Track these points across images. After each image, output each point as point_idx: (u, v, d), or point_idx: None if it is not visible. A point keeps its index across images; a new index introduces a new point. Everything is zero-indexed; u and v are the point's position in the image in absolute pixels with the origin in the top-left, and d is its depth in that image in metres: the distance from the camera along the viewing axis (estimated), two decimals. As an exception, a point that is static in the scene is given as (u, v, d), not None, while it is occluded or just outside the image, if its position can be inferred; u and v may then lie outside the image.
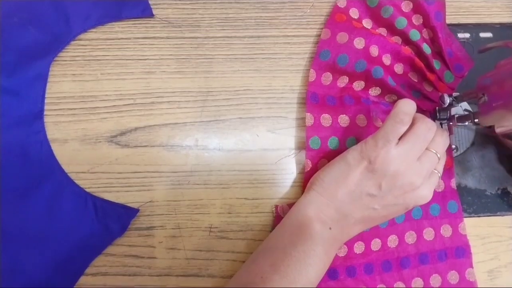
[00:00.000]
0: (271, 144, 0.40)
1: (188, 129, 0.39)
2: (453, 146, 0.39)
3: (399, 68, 0.40)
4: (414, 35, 0.40)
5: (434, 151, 0.34)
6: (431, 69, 0.40)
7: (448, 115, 0.39)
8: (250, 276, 0.33)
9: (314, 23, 0.42)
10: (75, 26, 0.39)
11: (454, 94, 0.38)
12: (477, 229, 0.40)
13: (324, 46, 0.40)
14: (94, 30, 0.40)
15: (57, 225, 0.37)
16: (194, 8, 0.41)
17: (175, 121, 0.39)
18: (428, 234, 0.39)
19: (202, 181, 0.39)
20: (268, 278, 0.32)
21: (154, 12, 0.40)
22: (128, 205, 0.37)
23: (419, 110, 0.40)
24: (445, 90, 0.40)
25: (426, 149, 0.34)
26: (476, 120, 0.34)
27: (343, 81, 0.40)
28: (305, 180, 0.38)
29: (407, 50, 0.40)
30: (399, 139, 0.33)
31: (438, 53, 0.41)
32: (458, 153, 0.41)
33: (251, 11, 0.42)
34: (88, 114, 0.39)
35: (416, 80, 0.40)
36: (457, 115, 0.37)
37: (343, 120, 0.39)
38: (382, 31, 0.41)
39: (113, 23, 0.40)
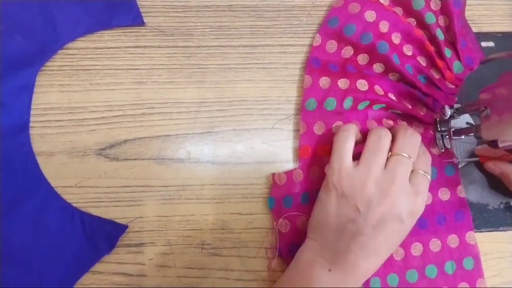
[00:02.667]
0: (266, 157, 0.38)
1: (180, 141, 0.38)
2: (455, 160, 0.38)
3: (408, 49, 0.39)
4: (430, 18, 0.40)
5: (403, 154, 0.32)
6: (441, 56, 0.40)
7: (449, 127, 0.38)
8: None
9: (310, 32, 0.41)
10: (63, 35, 0.38)
11: (456, 105, 0.37)
12: (479, 244, 0.38)
13: (335, 13, 0.40)
14: (82, 38, 0.39)
15: (43, 242, 0.35)
16: (187, 16, 0.40)
17: (166, 133, 0.38)
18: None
19: (194, 196, 0.37)
20: None
21: (145, 20, 0.39)
22: (117, 221, 0.36)
23: (422, 96, 0.39)
24: (452, 80, 0.40)
25: (392, 154, 0.33)
26: (478, 135, 0.33)
27: (347, 52, 0.39)
28: (300, 142, 0.38)
29: (418, 32, 0.39)
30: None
31: (451, 43, 0.40)
32: (460, 166, 0.39)
33: (246, 19, 0.40)
34: (76, 126, 0.37)
35: (424, 65, 0.39)
36: (453, 129, 0.36)
37: (343, 83, 0.38)
38: (398, 10, 0.41)
39: (103, 32, 0.39)
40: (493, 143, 0.32)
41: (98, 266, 0.36)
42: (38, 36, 0.38)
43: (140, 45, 0.39)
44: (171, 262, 0.36)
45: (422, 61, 0.40)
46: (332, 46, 0.39)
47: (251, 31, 0.40)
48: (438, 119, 0.39)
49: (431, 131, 0.39)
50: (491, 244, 0.39)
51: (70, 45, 0.38)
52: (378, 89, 0.38)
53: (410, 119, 0.39)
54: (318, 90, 0.38)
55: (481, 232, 0.39)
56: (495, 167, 0.37)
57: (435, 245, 0.37)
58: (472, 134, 0.34)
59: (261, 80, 0.39)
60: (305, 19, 0.41)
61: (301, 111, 0.38)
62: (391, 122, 0.38)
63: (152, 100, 0.38)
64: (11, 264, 0.35)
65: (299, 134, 0.38)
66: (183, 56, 0.39)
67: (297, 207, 0.37)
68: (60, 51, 0.38)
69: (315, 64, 0.39)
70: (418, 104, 0.39)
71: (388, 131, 0.34)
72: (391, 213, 0.32)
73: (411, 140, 0.33)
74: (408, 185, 0.32)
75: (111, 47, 0.39)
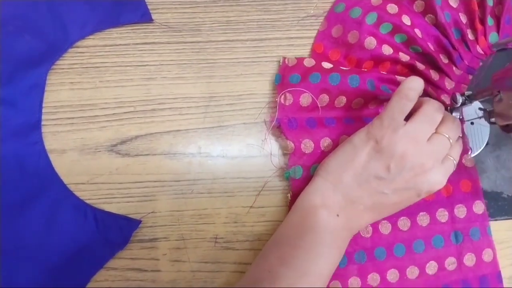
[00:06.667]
0: (276, 150, 0.38)
1: (191, 136, 0.38)
2: (468, 147, 0.38)
3: (454, 2, 0.40)
4: None
5: (446, 135, 0.33)
6: (482, 21, 0.40)
7: (461, 114, 0.38)
8: (258, 272, 0.32)
9: (317, 25, 0.41)
10: (72, 33, 0.38)
11: (467, 92, 0.36)
12: (495, 233, 0.38)
13: None
14: (91, 36, 0.39)
15: (56, 239, 0.35)
16: (195, 12, 0.40)
17: (177, 128, 0.38)
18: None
19: (206, 190, 0.37)
20: (276, 272, 0.31)
21: (154, 16, 0.39)
22: (130, 216, 0.36)
23: (449, 46, 0.39)
24: (483, 46, 0.40)
25: (437, 132, 0.33)
26: (492, 119, 0.33)
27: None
28: (316, 39, 0.40)
29: None
30: (407, 120, 0.32)
31: (497, 16, 0.40)
32: (473, 154, 0.39)
33: (253, 13, 0.40)
34: (87, 123, 0.37)
35: (464, 22, 0.40)
36: (478, 108, 0.36)
37: (375, 1, 0.39)
38: None
39: (111, 29, 0.39)
40: (507, 128, 0.32)
41: (111, 262, 0.36)
42: (47, 36, 0.38)
43: (148, 42, 0.39)
44: (184, 257, 0.36)
45: (463, 18, 0.40)
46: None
47: (258, 24, 0.40)
48: (449, 108, 0.38)
49: (445, 82, 0.39)
50: (507, 232, 0.39)
51: (79, 43, 0.39)
52: (406, 18, 0.38)
53: (429, 63, 0.39)
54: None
55: (496, 220, 0.38)
56: None
57: (450, 263, 0.37)
58: (485, 119, 0.34)
59: (269, 73, 0.39)
60: (312, 12, 0.41)
61: (329, 11, 0.40)
62: (407, 58, 0.38)
63: (162, 96, 0.38)
64: (25, 262, 0.35)
65: (318, 31, 0.40)
66: (192, 52, 0.39)
67: (303, 83, 0.37)
68: (69, 50, 0.38)
69: None
70: (442, 52, 0.40)
71: (443, 108, 0.34)
72: (416, 185, 0.32)
73: (457, 127, 0.34)
74: (441, 166, 0.33)
75: (120, 44, 0.39)
